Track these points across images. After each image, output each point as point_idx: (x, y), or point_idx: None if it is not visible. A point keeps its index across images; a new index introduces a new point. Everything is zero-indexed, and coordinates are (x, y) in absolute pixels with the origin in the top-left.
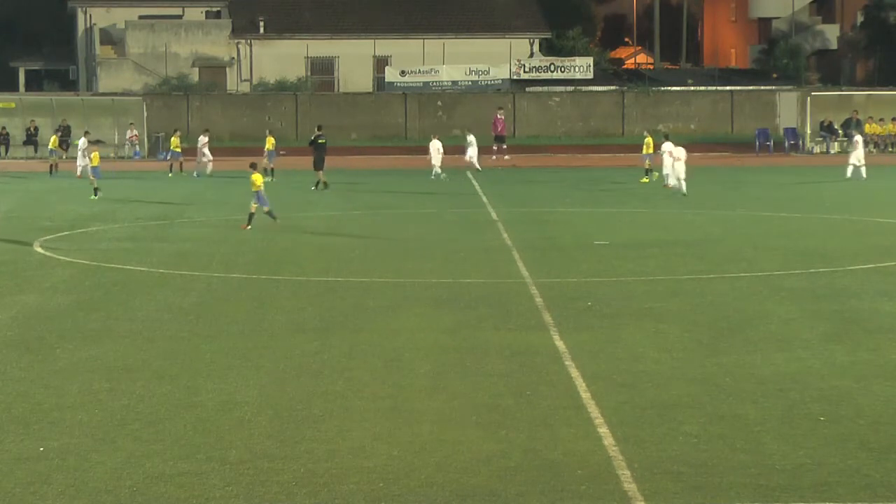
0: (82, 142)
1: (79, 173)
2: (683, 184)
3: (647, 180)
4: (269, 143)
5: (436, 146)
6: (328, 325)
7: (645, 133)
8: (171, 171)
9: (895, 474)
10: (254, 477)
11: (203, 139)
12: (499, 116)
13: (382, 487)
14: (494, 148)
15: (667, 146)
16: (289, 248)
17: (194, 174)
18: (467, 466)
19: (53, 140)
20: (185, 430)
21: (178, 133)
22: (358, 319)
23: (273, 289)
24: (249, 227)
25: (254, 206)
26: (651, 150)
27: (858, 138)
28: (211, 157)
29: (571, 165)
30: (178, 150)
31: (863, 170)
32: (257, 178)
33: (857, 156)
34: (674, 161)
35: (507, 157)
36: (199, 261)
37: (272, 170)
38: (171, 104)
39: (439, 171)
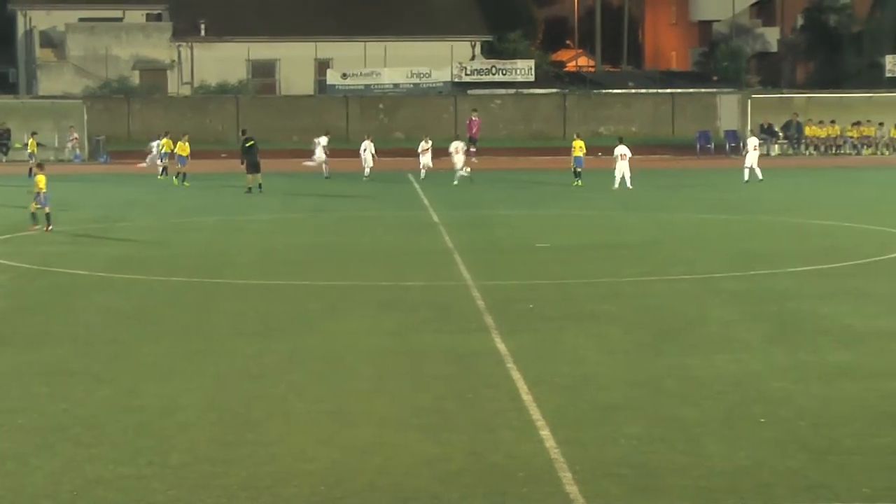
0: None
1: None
2: (628, 180)
3: (579, 183)
4: (183, 148)
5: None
6: (270, 329)
7: (578, 134)
8: (176, 178)
9: (835, 475)
10: (195, 481)
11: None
12: (473, 118)
13: (324, 491)
14: (470, 150)
15: (620, 149)
16: (230, 252)
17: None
18: (409, 469)
19: None
20: (126, 433)
21: (187, 137)
22: (299, 323)
23: (214, 292)
24: (38, 227)
25: (34, 207)
26: (581, 154)
27: (755, 142)
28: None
29: (513, 168)
30: (186, 154)
31: (758, 171)
32: (41, 180)
33: (751, 159)
34: (619, 158)
35: (475, 159)
36: (140, 264)
37: (184, 174)
38: (112, 107)
39: (367, 172)
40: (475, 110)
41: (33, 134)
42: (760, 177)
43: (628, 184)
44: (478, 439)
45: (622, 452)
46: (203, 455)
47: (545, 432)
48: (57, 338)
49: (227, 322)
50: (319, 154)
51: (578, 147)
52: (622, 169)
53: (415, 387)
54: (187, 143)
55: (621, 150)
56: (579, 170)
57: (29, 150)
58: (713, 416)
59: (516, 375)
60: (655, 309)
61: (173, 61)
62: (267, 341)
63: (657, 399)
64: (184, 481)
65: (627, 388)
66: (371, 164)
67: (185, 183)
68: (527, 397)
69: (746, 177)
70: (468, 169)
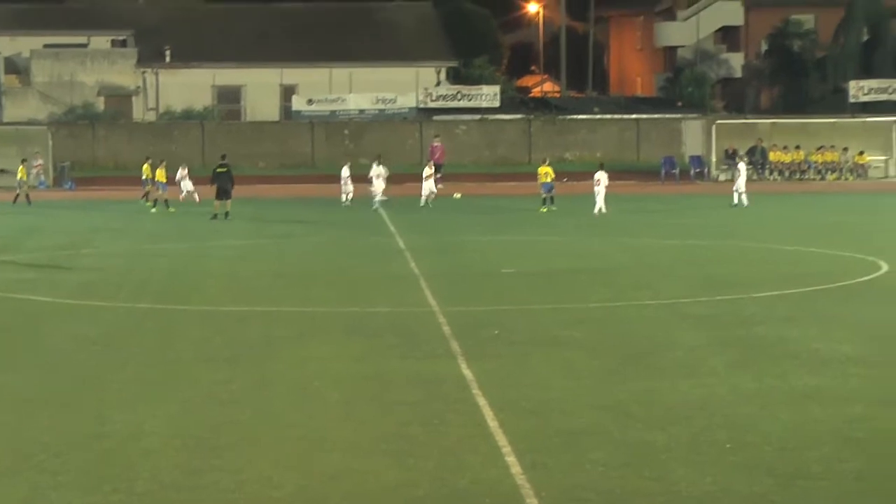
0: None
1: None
2: (600, 206)
3: (545, 210)
4: (161, 174)
5: (378, 172)
6: (236, 355)
7: (545, 160)
8: (154, 204)
9: (802, 500)
10: None
11: (182, 171)
12: (435, 144)
13: None
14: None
15: (597, 175)
16: (196, 278)
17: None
18: (376, 495)
19: None
20: (91, 461)
21: (164, 163)
22: (266, 349)
23: (181, 319)
24: None
25: None
26: (549, 180)
27: (744, 167)
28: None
29: (478, 193)
30: (164, 181)
31: (744, 197)
32: None
33: (740, 184)
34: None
35: (440, 185)
36: (106, 291)
37: (166, 200)
38: (77, 133)
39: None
40: (437, 136)
41: (23, 161)
42: (746, 203)
43: (601, 209)
44: (444, 465)
45: (588, 478)
46: (169, 482)
47: (511, 458)
48: (22, 365)
49: (194, 348)
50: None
51: (544, 173)
52: (601, 194)
53: (381, 412)
54: (164, 169)
55: (596, 175)
56: (545, 196)
57: (19, 177)
58: (679, 442)
59: (482, 401)
60: (621, 334)
61: (138, 87)
62: (233, 367)
63: (623, 424)
64: None
65: (593, 413)
66: (381, 189)
67: (171, 209)
68: (492, 423)
69: (735, 200)
70: (432, 194)
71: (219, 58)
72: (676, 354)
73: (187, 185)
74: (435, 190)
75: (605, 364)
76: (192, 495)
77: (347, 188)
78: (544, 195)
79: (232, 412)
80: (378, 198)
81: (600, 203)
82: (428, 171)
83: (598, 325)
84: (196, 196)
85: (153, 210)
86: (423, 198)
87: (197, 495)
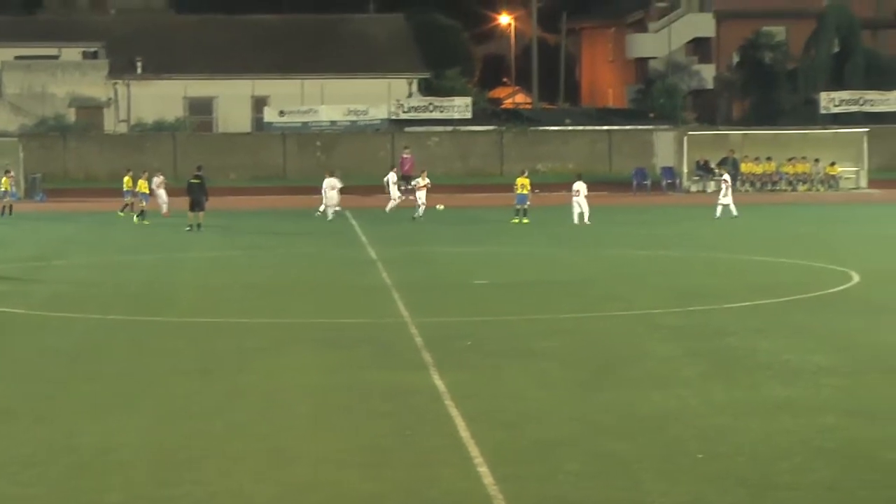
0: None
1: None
2: (586, 216)
3: (517, 221)
4: (143, 185)
5: (331, 184)
6: (208, 367)
7: (524, 172)
8: (140, 214)
9: None
10: None
11: (158, 179)
12: (405, 156)
13: None
14: (401, 188)
15: (578, 185)
16: (168, 290)
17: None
18: None
19: None
20: (63, 473)
21: (146, 174)
22: (238, 360)
23: (152, 330)
24: None
25: None
26: (525, 192)
27: (728, 178)
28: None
29: (450, 205)
30: (147, 192)
31: (732, 207)
32: None
33: (725, 196)
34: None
35: (412, 196)
36: (77, 303)
37: (143, 212)
38: (48, 145)
39: (338, 209)
40: (407, 147)
41: (7, 172)
42: (725, 212)
43: (585, 217)
44: (416, 476)
45: (561, 489)
46: (140, 494)
47: (483, 469)
48: None
49: (165, 360)
50: (394, 191)
51: (521, 185)
52: (580, 205)
53: (353, 424)
54: (146, 181)
55: (576, 186)
56: (520, 207)
57: (3, 189)
58: (651, 452)
59: (454, 412)
60: (594, 345)
61: (110, 99)
62: (205, 379)
63: (596, 435)
64: None
65: (566, 424)
66: (335, 201)
67: (145, 221)
68: (465, 434)
69: (718, 213)
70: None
71: (190, 69)
72: (649, 365)
73: (162, 195)
74: (424, 202)
75: (577, 375)
76: None
77: (332, 199)
78: (518, 206)
79: (204, 424)
80: (332, 209)
81: (584, 211)
82: (421, 181)
83: (571, 336)
84: (165, 207)
85: (136, 221)
86: (420, 208)
87: None
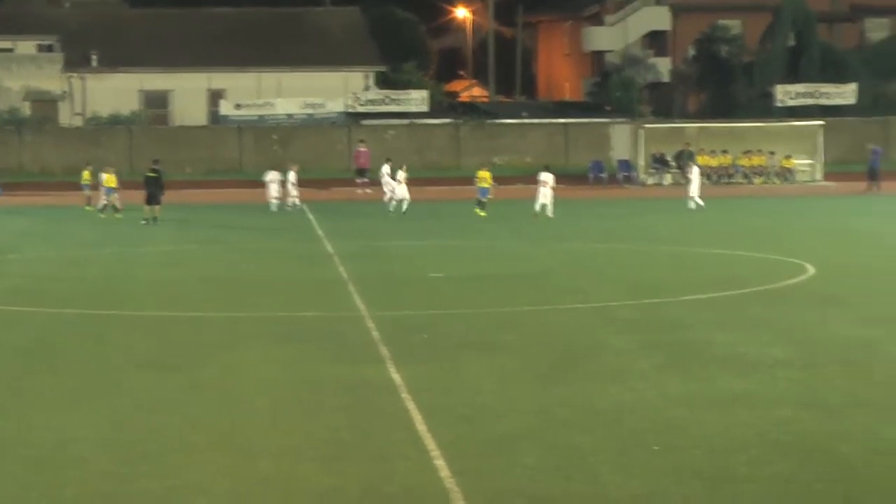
0: None
1: None
2: (549, 208)
3: (481, 213)
4: (111, 180)
5: (272, 177)
6: (165, 361)
7: (486, 165)
8: (103, 210)
9: (729, 503)
10: None
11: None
12: (360, 149)
13: None
14: (357, 181)
15: (544, 176)
16: (125, 284)
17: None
18: (306, 501)
19: None
20: (19, 468)
21: (114, 169)
22: (195, 355)
23: (110, 325)
24: None
25: None
26: (487, 185)
27: (696, 171)
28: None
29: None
30: (114, 186)
31: (697, 200)
32: None
33: (694, 188)
34: (542, 185)
35: (368, 189)
36: (33, 297)
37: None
38: (3, 139)
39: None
40: (362, 141)
41: None
42: (697, 205)
43: (549, 212)
44: (373, 470)
45: (518, 482)
46: (97, 489)
47: (440, 462)
48: None
49: (123, 355)
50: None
51: (482, 178)
52: (545, 195)
53: (310, 418)
54: (114, 174)
55: (543, 176)
56: (482, 200)
57: None
58: (608, 445)
59: (411, 406)
60: (551, 338)
61: (65, 92)
62: (162, 374)
63: (553, 428)
64: None
65: (523, 417)
66: (295, 193)
67: (102, 215)
68: (422, 427)
69: (693, 206)
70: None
71: (146, 62)
72: (606, 358)
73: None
74: (408, 197)
75: (534, 368)
76: (122, 502)
77: (292, 192)
78: (480, 199)
79: (161, 419)
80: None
81: (548, 203)
82: (401, 174)
83: (528, 328)
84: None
85: (103, 216)
86: (405, 202)
87: (126, 502)
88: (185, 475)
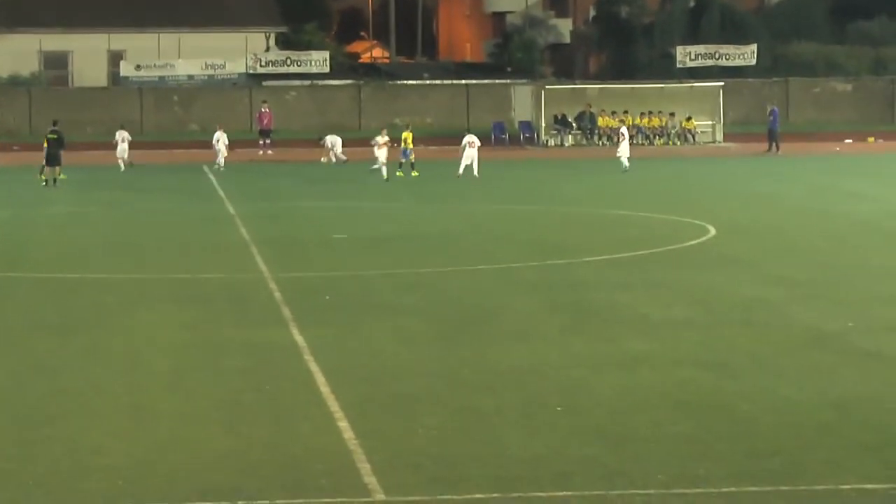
0: None
1: None
2: (475, 169)
3: (403, 174)
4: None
5: (122, 136)
6: (66, 323)
7: (408, 126)
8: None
9: (632, 462)
10: None
11: None
12: (263, 111)
13: (122, 486)
14: (260, 143)
15: (468, 138)
16: (25, 245)
17: None
18: (208, 463)
19: None
20: None
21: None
22: (97, 317)
23: (9, 286)
24: None
25: None
26: (410, 146)
27: (624, 131)
28: None
29: (309, 160)
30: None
31: (625, 160)
32: None
33: (623, 149)
34: (468, 147)
35: (269, 151)
36: None
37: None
38: None
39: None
40: (265, 102)
41: None
42: (627, 166)
43: (475, 172)
44: (276, 432)
45: (421, 443)
46: (0, 452)
47: (343, 423)
48: None
49: (23, 316)
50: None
51: (405, 138)
52: (470, 156)
53: (213, 380)
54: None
55: (469, 138)
56: (404, 161)
57: None
58: (511, 406)
59: (314, 368)
60: (454, 300)
61: None
62: (64, 336)
63: (455, 389)
64: None
65: (426, 378)
66: (224, 154)
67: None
68: (325, 389)
69: (627, 164)
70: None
71: (45, 23)
72: (509, 319)
73: None
74: (384, 161)
75: (437, 329)
76: (23, 465)
77: (222, 153)
78: (402, 160)
79: (62, 382)
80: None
81: (474, 164)
82: (381, 139)
83: (431, 290)
84: None
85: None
86: (379, 167)
87: (28, 465)
88: (87, 438)
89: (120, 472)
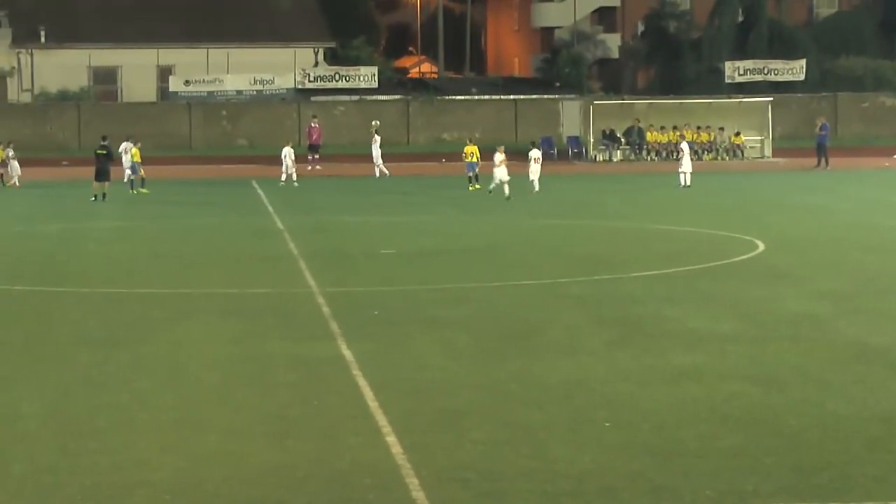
0: None
1: None
2: (536, 183)
3: (474, 188)
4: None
5: (289, 153)
6: (113, 337)
7: (468, 141)
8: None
9: (679, 478)
10: (38, 491)
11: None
12: (313, 125)
13: (168, 500)
14: (309, 157)
15: (533, 153)
16: (73, 260)
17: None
18: (254, 477)
19: None
20: None
21: (139, 143)
22: (143, 331)
23: (57, 301)
24: None
25: None
26: (475, 160)
27: (685, 146)
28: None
29: (357, 174)
30: (139, 160)
31: (687, 177)
32: None
33: (685, 164)
34: (534, 162)
35: (318, 166)
36: None
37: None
38: None
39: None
40: (315, 117)
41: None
42: (689, 183)
43: (536, 187)
44: (323, 446)
45: (468, 457)
46: (44, 465)
47: (391, 438)
48: None
49: (70, 331)
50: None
51: (469, 153)
52: (535, 171)
53: (259, 394)
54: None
55: (535, 153)
56: (470, 175)
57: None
58: (558, 420)
59: (362, 382)
60: (500, 314)
61: (13, 68)
62: (110, 350)
63: (502, 404)
64: (25, 492)
65: (473, 392)
66: (292, 169)
67: (143, 190)
68: (372, 403)
69: (684, 181)
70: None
71: (95, 38)
72: (555, 334)
73: (16, 166)
74: (507, 178)
75: (484, 344)
76: (70, 478)
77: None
78: (469, 174)
79: (109, 395)
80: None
81: (535, 178)
82: (500, 156)
83: (478, 304)
84: (16, 181)
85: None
86: (506, 185)
87: (74, 478)
88: (132, 451)
89: (166, 486)
